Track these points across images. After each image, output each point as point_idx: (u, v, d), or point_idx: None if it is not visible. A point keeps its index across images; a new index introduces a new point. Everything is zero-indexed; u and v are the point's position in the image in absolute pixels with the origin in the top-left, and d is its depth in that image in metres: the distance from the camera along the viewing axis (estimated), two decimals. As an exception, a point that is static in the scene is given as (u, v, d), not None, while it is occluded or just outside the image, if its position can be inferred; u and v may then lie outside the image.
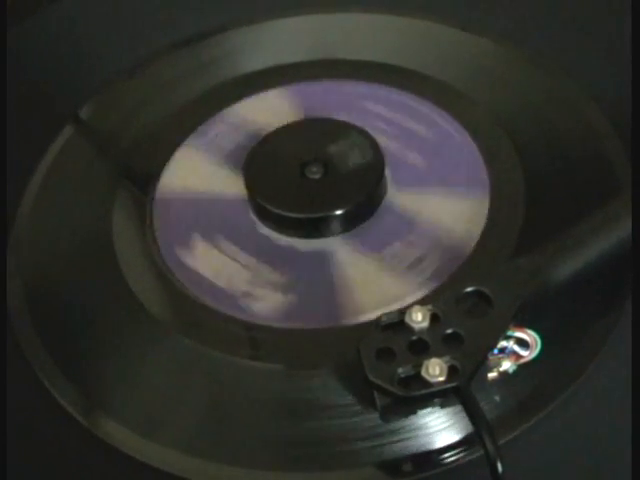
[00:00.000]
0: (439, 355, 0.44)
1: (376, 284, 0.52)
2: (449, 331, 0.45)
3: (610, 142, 0.55)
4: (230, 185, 0.57)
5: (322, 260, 0.53)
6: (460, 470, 0.45)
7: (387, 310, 0.47)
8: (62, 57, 0.66)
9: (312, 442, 0.47)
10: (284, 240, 0.54)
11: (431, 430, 0.46)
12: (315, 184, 0.54)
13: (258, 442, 0.47)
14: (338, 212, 0.53)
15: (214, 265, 0.53)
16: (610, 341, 0.48)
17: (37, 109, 0.63)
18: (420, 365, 0.44)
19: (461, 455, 0.46)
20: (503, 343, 0.46)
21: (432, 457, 0.46)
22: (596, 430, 0.46)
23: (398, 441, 0.46)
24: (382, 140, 0.56)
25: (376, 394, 0.45)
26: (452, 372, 0.44)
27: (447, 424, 0.46)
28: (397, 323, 0.46)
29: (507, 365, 0.46)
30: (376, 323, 0.46)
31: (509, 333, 0.46)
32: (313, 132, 0.57)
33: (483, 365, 0.45)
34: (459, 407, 0.44)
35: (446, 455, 0.46)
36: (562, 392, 0.47)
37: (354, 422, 0.47)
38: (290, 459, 0.47)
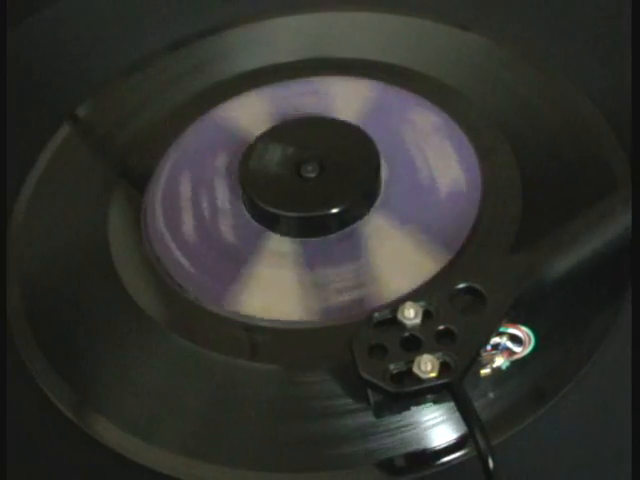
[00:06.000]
0: (431, 351, 0.44)
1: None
2: (441, 327, 0.45)
3: (606, 140, 0.55)
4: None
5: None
6: (457, 469, 0.45)
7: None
8: (59, 57, 0.66)
9: (309, 442, 0.47)
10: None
11: (428, 430, 0.46)
12: (311, 183, 0.54)
13: (255, 443, 0.47)
14: (333, 211, 0.53)
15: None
16: (608, 339, 0.48)
17: (34, 108, 0.63)
18: (412, 361, 0.44)
19: (458, 454, 0.46)
20: (496, 339, 0.46)
21: (429, 456, 0.46)
22: (594, 429, 0.46)
23: (396, 441, 0.46)
24: (378, 138, 0.56)
25: (369, 390, 0.45)
26: (444, 368, 0.44)
27: (444, 424, 0.46)
28: (389, 320, 0.46)
29: (500, 361, 0.46)
30: (368, 320, 0.46)
31: (502, 329, 0.46)
32: (309, 130, 0.57)
33: (476, 361, 0.45)
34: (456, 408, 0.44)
35: (443, 454, 0.46)
36: (559, 390, 0.47)
37: (352, 422, 0.47)
38: (286, 460, 0.47)
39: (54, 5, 0.68)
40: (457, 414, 0.44)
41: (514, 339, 0.46)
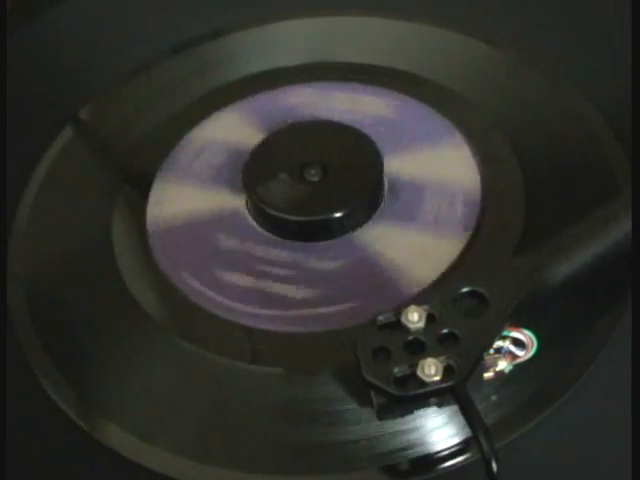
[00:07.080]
0: (435, 355, 0.44)
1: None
2: (445, 331, 0.45)
3: (609, 144, 0.55)
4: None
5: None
6: (460, 472, 0.45)
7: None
8: (61, 60, 0.66)
9: (311, 446, 0.47)
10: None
11: (431, 433, 0.46)
12: (314, 186, 0.54)
13: (257, 446, 0.47)
14: (336, 215, 0.53)
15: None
16: (610, 343, 0.48)
17: (35, 111, 0.63)
18: (416, 365, 0.44)
19: (461, 457, 0.46)
20: (499, 343, 0.46)
21: (432, 459, 0.46)
22: (597, 432, 0.46)
23: (399, 444, 0.46)
24: (380, 143, 0.56)
25: (372, 393, 0.45)
26: (448, 372, 0.44)
27: (447, 427, 0.46)
28: (393, 323, 0.46)
29: (503, 365, 0.46)
30: (372, 323, 0.46)
31: (505, 333, 0.46)
32: (312, 134, 0.57)
33: (479, 365, 0.45)
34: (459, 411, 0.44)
35: (446, 457, 0.46)
36: (562, 394, 0.47)
37: (354, 425, 0.47)
38: (288, 463, 0.47)
39: (56, 7, 0.68)
40: (460, 417, 0.44)
41: (517, 343, 0.46)
